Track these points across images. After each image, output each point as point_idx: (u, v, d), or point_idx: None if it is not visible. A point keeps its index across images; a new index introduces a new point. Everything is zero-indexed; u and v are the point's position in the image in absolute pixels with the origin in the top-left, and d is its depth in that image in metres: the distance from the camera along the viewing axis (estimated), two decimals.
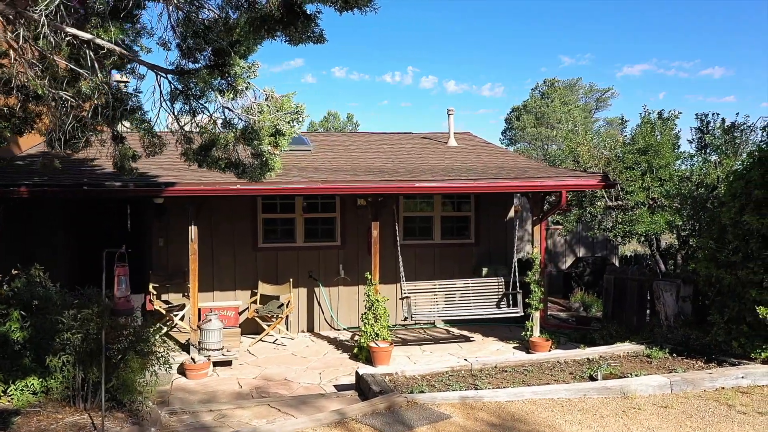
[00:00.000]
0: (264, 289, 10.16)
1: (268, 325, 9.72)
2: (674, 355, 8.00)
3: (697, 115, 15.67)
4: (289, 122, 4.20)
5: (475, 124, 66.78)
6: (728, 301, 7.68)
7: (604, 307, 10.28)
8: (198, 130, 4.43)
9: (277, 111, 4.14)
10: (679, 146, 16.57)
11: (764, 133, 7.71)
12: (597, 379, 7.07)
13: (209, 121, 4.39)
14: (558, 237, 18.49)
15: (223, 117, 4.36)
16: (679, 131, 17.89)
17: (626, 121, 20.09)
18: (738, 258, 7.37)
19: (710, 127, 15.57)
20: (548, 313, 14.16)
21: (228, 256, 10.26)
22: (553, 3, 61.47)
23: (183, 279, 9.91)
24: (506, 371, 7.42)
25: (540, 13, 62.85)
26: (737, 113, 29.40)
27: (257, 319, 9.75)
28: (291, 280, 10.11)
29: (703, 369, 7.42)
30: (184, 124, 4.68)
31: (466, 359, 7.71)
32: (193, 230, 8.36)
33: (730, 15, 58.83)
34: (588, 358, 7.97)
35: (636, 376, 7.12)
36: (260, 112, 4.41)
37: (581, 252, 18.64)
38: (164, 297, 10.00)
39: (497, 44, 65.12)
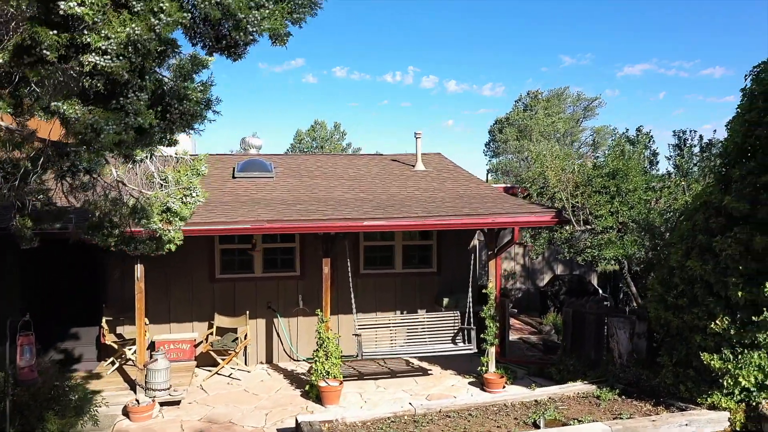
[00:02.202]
0: (220, 321, 10.06)
1: (223, 359, 9.61)
2: (624, 396, 7.91)
3: (674, 132, 15.54)
4: (181, 199, 4.09)
5: (475, 123, 66.50)
6: (676, 343, 7.59)
7: (564, 340, 10.18)
8: (88, 206, 4.33)
9: (177, 182, 4.03)
10: (657, 162, 16.50)
11: (711, 175, 7.59)
12: (540, 427, 6.98)
13: (101, 196, 4.29)
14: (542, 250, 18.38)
15: (117, 191, 4.27)
16: (656, 149, 17.81)
17: (598, 144, 20.12)
18: (684, 302, 7.28)
19: (687, 144, 15.48)
20: (518, 336, 14.08)
21: (184, 288, 10.16)
22: (553, 3, 61.26)
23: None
24: (450, 416, 7.32)
25: (540, 13, 62.64)
26: (714, 130, 29.25)
27: (212, 353, 9.64)
28: (247, 312, 10.00)
29: (651, 413, 7.33)
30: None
31: (411, 403, 7.61)
32: (139, 269, 8.25)
33: (731, 15, 58.65)
34: (536, 400, 7.88)
35: (579, 422, 7.03)
36: (164, 180, 4.30)
37: (559, 269, 18.55)
38: (119, 330, 9.89)
39: (498, 44, 64.92)
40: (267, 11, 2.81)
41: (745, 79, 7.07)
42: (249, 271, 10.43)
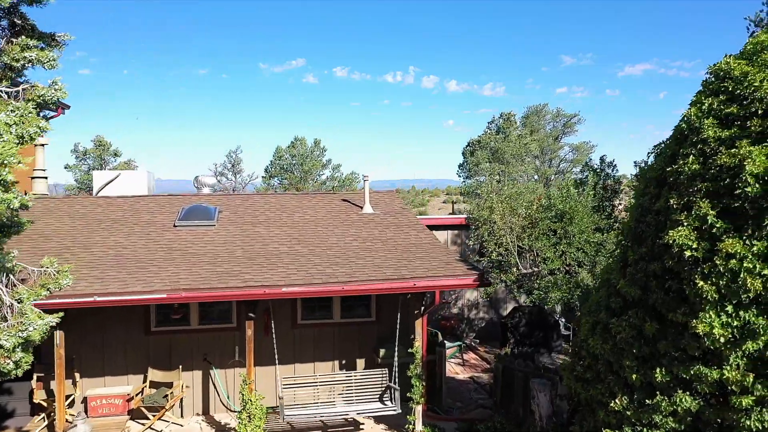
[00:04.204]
0: (154, 375, 10.10)
1: (154, 415, 9.66)
2: None
3: (635, 162, 15.54)
4: (16, 335, 4.13)
5: (475, 122, 66.73)
6: (586, 414, 7.62)
7: (494, 393, 10.23)
8: None
9: (21, 312, 4.06)
10: (621, 190, 16.51)
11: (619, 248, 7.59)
12: None
13: None
14: (500, 284, 18.41)
15: None
16: (620, 177, 17.83)
17: (550, 181, 20.15)
18: (590, 376, 7.31)
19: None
20: (470, 374, 14.12)
21: (119, 341, 10.20)
22: (553, 3, 61.40)
23: (72, 366, 9.86)
24: None
25: (540, 13, 62.78)
26: None
27: (143, 408, 9.69)
28: (180, 366, 10.06)
29: None
30: None
31: None
32: (58, 335, 8.29)
33: (731, 15, 58.81)
34: None
35: None
36: (18, 301, 4.33)
37: (522, 298, 18.57)
38: (53, 385, 9.92)
39: (498, 44, 65.09)
40: None
41: (648, 157, 7.11)
42: (185, 323, 10.46)
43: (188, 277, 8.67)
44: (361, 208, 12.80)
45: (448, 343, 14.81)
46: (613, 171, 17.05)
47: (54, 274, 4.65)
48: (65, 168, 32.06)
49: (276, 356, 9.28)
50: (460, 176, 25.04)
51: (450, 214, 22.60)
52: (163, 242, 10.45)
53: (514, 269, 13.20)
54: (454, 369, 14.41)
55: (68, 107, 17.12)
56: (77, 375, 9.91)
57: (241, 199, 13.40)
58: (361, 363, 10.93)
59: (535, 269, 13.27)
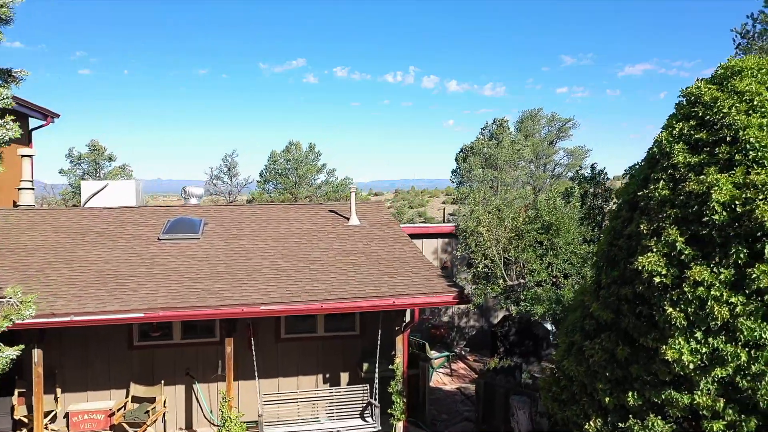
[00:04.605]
0: (136, 390, 10.10)
1: (135, 431, 9.65)
2: None
3: (625, 171, 15.53)
4: None
5: (475, 123, 66.68)
6: None
7: (476, 410, 10.22)
8: None
9: None
10: (611, 198, 16.52)
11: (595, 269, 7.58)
12: None
13: None
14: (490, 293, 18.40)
15: None
16: (610, 184, 17.81)
17: (537, 192, 20.17)
18: (566, 397, 7.30)
19: None
20: (457, 385, 14.11)
21: (102, 355, 10.19)
22: (553, 3, 61.37)
23: (53, 382, 9.87)
24: None
25: (540, 13, 62.74)
26: None
27: (124, 424, 9.68)
28: (162, 381, 10.05)
29: None
30: None
31: None
32: (36, 353, 8.29)
33: (732, 15, 58.65)
34: None
35: None
36: None
37: (512, 307, 18.57)
38: (34, 400, 9.92)
39: (498, 44, 65.09)
40: None
41: (623, 177, 7.09)
42: (168, 337, 10.46)
43: (167, 295, 8.66)
44: (348, 219, 12.79)
45: (435, 353, 14.81)
46: (603, 179, 17.09)
47: (17, 305, 4.65)
48: (59, 172, 32.03)
49: (256, 372, 9.27)
50: (453, 182, 25.04)
51: (450, 214, 22.49)
52: (146, 256, 10.43)
53: (501, 281, 13.20)
54: (441, 380, 14.40)
55: (58, 116, 17.15)
56: (59, 390, 9.91)
57: (229, 211, 13.39)
58: (345, 377, 10.93)
59: (521, 281, 13.27)
